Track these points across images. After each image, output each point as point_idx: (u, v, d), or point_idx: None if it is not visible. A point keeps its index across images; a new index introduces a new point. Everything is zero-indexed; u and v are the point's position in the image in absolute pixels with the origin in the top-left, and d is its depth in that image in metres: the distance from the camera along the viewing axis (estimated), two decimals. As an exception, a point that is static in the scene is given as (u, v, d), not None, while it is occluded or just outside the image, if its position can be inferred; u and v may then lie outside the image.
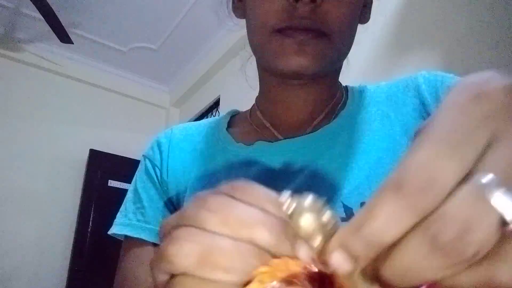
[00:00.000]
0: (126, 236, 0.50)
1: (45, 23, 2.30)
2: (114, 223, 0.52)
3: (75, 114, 3.08)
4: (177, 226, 0.20)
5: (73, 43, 2.49)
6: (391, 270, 0.16)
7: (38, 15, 2.31)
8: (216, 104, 3.06)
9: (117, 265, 0.50)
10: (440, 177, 0.14)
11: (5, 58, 2.86)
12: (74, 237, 2.77)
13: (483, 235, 0.14)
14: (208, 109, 3.17)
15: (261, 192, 0.20)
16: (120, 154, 3.02)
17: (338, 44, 0.45)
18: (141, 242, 0.49)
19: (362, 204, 0.44)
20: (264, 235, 0.18)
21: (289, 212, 0.18)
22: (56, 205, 2.82)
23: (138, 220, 0.50)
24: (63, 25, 2.30)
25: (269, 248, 0.18)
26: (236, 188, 0.20)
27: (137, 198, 0.52)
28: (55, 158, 2.90)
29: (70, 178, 2.91)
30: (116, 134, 3.20)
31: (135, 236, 0.49)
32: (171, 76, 3.42)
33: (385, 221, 0.15)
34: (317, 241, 0.17)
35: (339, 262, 0.16)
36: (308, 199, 0.18)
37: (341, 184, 0.43)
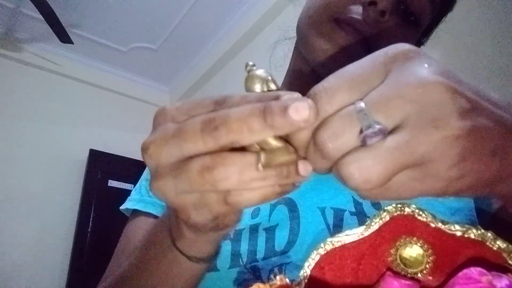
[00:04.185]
0: (134, 211, 0.51)
1: (45, 23, 2.30)
2: (127, 199, 0.54)
3: (75, 114, 3.08)
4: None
5: (73, 43, 2.49)
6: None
7: (38, 15, 2.31)
8: (216, 104, 3.06)
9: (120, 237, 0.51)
10: (334, 96, 0.20)
11: (5, 58, 2.86)
12: (74, 237, 2.77)
13: (346, 140, 0.19)
14: (208, 109, 3.17)
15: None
16: (120, 154, 3.02)
17: None
18: (148, 216, 0.50)
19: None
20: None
21: (248, 69, 0.23)
22: (56, 205, 2.82)
23: (150, 196, 0.52)
24: (63, 25, 2.30)
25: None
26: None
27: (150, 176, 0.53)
28: (55, 158, 2.90)
29: (70, 178, 2.91)
30: (116, 134, 3.20)
31: (144, 210, 0.50)
32: (171, 76, 3.42)
33: None
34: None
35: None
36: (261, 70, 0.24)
37: None
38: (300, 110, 0.19)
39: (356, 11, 0.44)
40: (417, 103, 0.19)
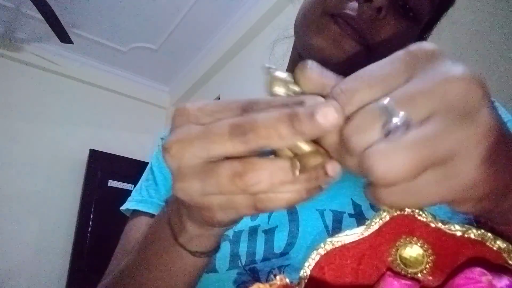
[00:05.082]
0: (134, 211, 0.51)
1: (45, 23, 2.30)
2: (128, 200, 0.54)
3: (75, 114, 3.08)
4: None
5: (73, 43, 2.49)
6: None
7: (38, 15, 2.31)
8: (216, 104, 3.06)
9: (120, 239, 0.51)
10: (357, 92, 0.20)
11: (5, 58, 2.86)
12: (74, 237, 2.77)
13: (369, 133, 0.19)
14: (208, 109, 3.17)
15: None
16: (120, 154, 3.02)
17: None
18: (148, 216, 0.50)
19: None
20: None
21: (269, 71, 0.23)
22: (56, 205, 2.82)
23: (151, 196, 0.52)
24: (63, 25, 2.30)
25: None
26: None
27: (151, 176, 0.54)
28: (55, 158, 2.90)
29: (70, 178, 2.91)
30: (116, 134, 3.20)
31: (145, 210, 0.50)
32: (171, 76, 3.42)
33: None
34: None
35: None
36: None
37: (351, 181, 0.44)
38: (328, 115, 0.19)
39: (352, 7, 0.43)
40: (445, 97, 0.18)
